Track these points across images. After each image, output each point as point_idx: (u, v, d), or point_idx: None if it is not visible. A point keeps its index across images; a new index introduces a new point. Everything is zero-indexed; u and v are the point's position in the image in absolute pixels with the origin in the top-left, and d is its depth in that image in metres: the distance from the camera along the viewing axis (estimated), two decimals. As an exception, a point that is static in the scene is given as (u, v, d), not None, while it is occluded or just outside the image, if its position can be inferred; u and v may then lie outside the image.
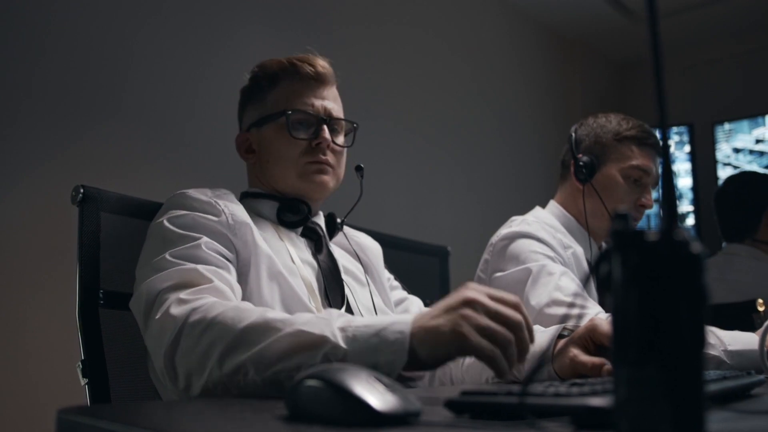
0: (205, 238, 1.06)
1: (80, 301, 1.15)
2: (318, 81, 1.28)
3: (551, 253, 1.61)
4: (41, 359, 1.81)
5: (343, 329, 0.81)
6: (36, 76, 1.89)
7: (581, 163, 1.72)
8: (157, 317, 0.94)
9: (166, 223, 1.08)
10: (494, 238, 1.72)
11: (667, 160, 0.47)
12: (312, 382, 0.61)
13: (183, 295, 0.94)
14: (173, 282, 0.97)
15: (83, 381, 1.11)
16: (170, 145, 2.17)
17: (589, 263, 1.75)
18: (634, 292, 0.42)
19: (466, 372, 1.24)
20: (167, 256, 1.01)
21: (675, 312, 0.41)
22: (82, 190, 1.18)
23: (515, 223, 1.71)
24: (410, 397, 0.61)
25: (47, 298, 1.83)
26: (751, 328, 2.15)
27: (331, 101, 1.29)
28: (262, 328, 0.84)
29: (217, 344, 0.85)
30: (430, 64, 3.06)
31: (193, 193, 1.15)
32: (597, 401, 0.56)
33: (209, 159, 2.21)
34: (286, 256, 1.17)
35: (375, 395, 0.59)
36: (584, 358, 0.98)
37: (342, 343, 0.79)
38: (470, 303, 0.78)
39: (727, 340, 1.29)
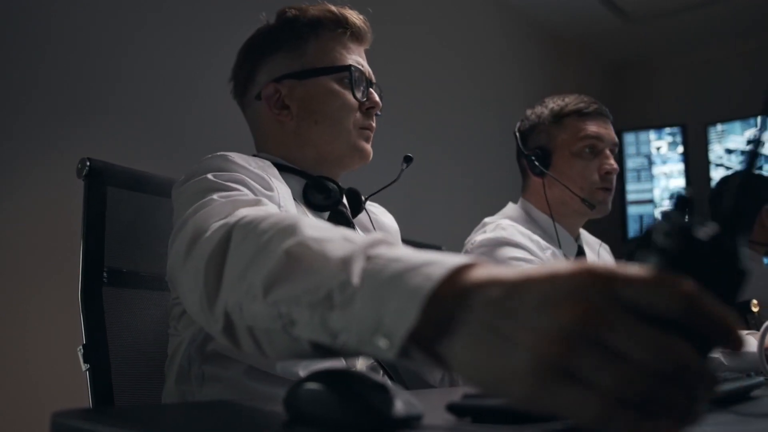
0: (251, 192, 0.89)
1: (83, 279, 1.10)
2: (358, 39, 1.16)
3: (531, 257, 1.58)
4: (41, 346, 1.81)
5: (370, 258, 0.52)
6: (40, 60, 1.89)
7: (533, 158, 1.70)
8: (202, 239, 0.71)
9: (210, 176, 0.89)
10: (468, 245, 1.68)
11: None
12: (311, 385, 0.60)
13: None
14: (227, 211, 0.76)
15: (84, 367, 1.06)
16: (175, 129, 2.16)
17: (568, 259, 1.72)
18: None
19: None
20: (214, 197, 0.82)
21: None
22: (88, 163, 1.13)
23: (490, 229, 1.67)
24: (412, 400, 0.60)
25: (49, 281, 1.83)
26: (745, 328, 2.16)
27: (363, 60, 1.17)
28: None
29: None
30: (426, 62, 3.05)
31: (237, 157, 0.98)
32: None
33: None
34: None
35: (376, 398, 0.58)
36: None
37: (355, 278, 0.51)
38: (601, 305, 0.39)
39: None
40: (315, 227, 0.60)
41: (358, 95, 1.12)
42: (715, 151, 3.88)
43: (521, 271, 0.43)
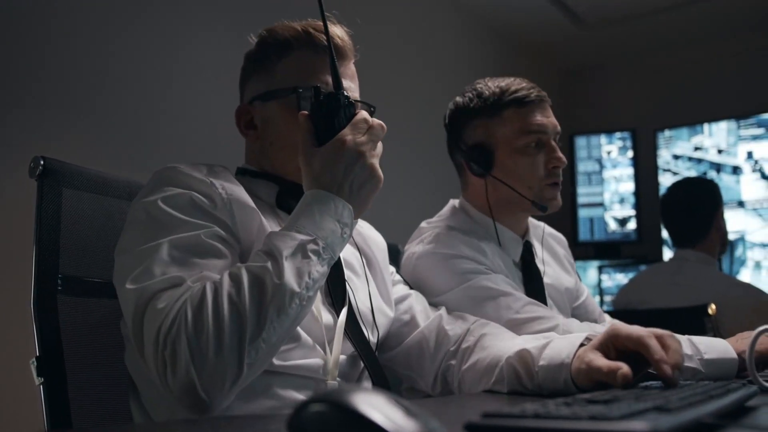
0: (205, 224, 0.96)
1: (36, 287, 1.04)
2: (342, 56, 1.15)
3: (479, 266, 1.45)
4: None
5: None
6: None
7: (474, 157, 1.53)
8: (159, 307, 0.85)
9: (160, 203, 0.96)
10: (407, 259, 1.53)
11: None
12: (318, 407, 0.54)
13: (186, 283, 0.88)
14: (170, 278, 0.88)
15: (38, 381, 1.00)
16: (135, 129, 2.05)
17: (515, 262, 1.64)
18: None
19: (466, 372, 1.18)
20: (165, 246, 0.91)
21: None
22: (42, 162, 1.06)
23: (428, 238, 1.53)
24: (431, 421, 0.54)
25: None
26: (702, 332, 2.19)
27: (347, 79, 1.15)
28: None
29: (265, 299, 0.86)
30: (382, 63, 3.01)
31: (187, 169, 1.03)
32: (639, 425, 0.51)
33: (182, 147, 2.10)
34: None
35: (391, 419, 0.52)
36: (600, 362, 0.91)
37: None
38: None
39: (703, 349, 1.25)
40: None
41: None
42: (663, 156, 3.96)
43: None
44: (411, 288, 1.37)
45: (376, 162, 1.00)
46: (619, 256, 3.98)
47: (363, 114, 1.02)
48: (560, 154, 1.52)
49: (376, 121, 1.02)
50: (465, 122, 1.57)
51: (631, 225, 3.99)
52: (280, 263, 0.88)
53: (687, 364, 1.21)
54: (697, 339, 1.28)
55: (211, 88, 2.16)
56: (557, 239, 1.79)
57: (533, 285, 1.59)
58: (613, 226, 4.00)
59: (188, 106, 2.20)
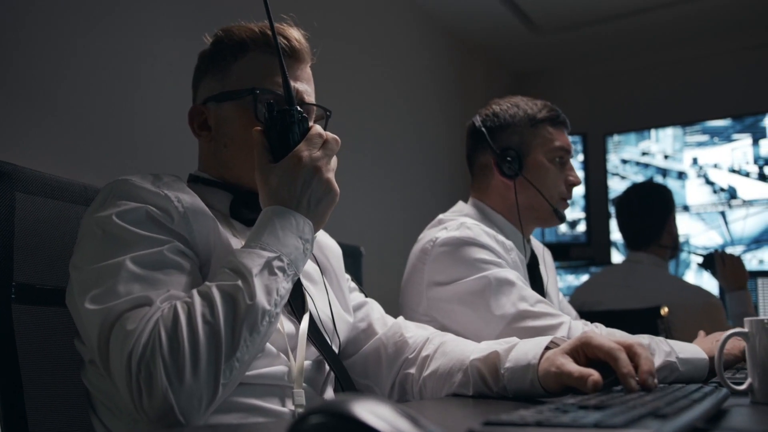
0: (165, 239, 0.94)
1: None
2: (292, 58, 1.13)
3: (497, 259, 1.53)
4: None
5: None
6: None
7: (508, 159, 1.64)
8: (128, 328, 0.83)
9: (115, 218, 0.94)
10: (427, 243, 1.59)
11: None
12: (317, 419, 0.52)
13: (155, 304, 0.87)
14: (136, 298, 0.86)
15: None
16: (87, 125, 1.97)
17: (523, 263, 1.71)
18: None
19: (428, 378, 1.17)
20: (126, 263, 0.89)
21: None
22: None
23: (452, 227, 1.59)
24: (434, 429, 0.53)
25: None
26: (655, 333, 2.24)
27: (303, 82, 1.15)
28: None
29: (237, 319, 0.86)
30: (339, 63, 2.98)
31: (140, 181, 1.01)
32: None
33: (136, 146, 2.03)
34: None
35: (397, 428, 0.50)
36: (571, 367, 0.92)
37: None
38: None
39: (677, 348, 1.30)
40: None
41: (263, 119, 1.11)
42: (612, 160, 4.05)
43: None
44: (366, 296, 1.38)
45: (332, 176, 1.02)
46: (569, 258, 4.05)
47: (317, 129, 1.02)
48: (576, 173, 1.72)
49: (330, 135, 1.03)
50: (503, 128, 1.68)
51: (581, 227, 4.06)
52: (251, 282, 0.88)
53: (667, 359, 1.26)
54: (670, 340, 1.33)
55: (173, 91, 2.09)
56: (548, 252, 1.94)
57: (536, 287, 1.70)
58: (563, 228, 4.06)
59: (149, 109, 2.13)
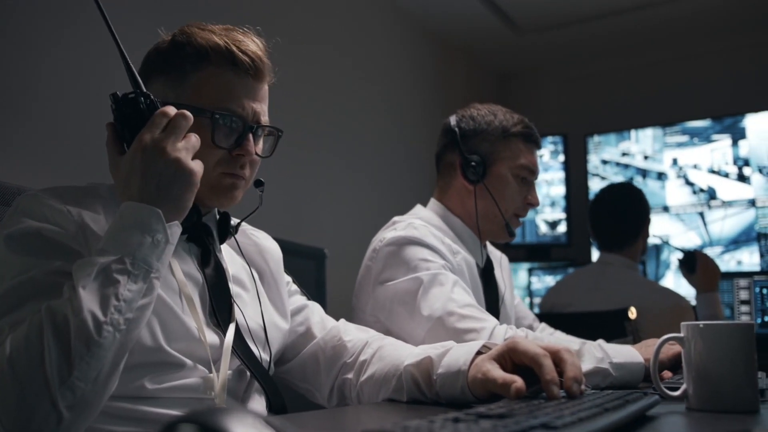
0: (46, 261, 0.93)
1: None
2: (254, 78, 1.10)
3: (441, 261, 1.53)
4: None
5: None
6: None
7: (473, 164, 1.65)
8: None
9: (3, 242, 0.95)
10: (377, 243, 1.60)
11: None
12: (187, 428, 0.51)
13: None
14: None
15: None
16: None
17: (478, 267, 1.72)
18: None
19: (365, 384, 1.16)
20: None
21: None
22: None
23: (401, 227, 1.60)
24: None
25: None
26: (623, 335, 2.23)
27: (261, 102, 1.13)
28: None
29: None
30: (311, 63, 2.96)
31: (48, 197, 0.99)
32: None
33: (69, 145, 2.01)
34: (165, 270, 1.02)
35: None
36: (496, 373, 0.91)
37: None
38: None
39: (611, 353, 1.29)
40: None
41: (220, 142, 1.08)
42: (592, 161, 4.04)
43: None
44: (309, 299, 1.36)
45: (182, 154, 0.95)
46: (549, 259, 4.05)
47: (162, 109, 0.97)
48: (536, 195, 1.72)
49: (176, 110, 0.97)
50: (475, 133, 1.68)
51: (562, 228, 4.05)
52: (78, 295, 0.84)
53: (599, 365, 1.25)
54: (606, 344, 1.33)
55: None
56: (505, 257, 1.95)
57: (491, 291, 1.71)
58: (543, 229, 4.05)
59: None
